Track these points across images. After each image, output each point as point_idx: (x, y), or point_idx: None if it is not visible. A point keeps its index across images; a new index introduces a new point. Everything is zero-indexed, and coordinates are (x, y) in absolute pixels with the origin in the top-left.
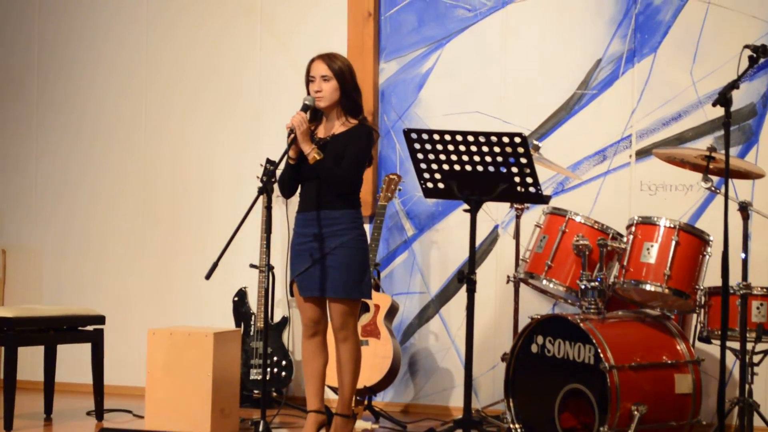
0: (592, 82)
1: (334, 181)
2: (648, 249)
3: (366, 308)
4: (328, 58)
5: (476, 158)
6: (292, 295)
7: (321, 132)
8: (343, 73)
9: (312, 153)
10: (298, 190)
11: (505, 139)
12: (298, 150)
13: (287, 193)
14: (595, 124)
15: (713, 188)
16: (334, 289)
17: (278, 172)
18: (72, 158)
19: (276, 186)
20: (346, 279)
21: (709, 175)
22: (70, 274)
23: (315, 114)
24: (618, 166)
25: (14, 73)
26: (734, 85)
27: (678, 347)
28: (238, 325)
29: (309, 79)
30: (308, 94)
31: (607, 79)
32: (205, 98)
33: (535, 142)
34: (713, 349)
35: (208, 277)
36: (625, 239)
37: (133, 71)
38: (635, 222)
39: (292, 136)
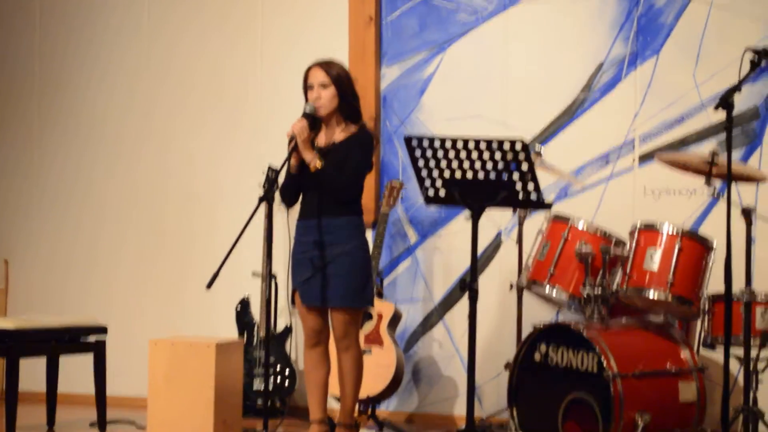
0: (595, 85)
1: (336, 188)
2: (651, 255)
3: (369, 316)
4: (326, 65)
5: (477, 165)
6: (294, 304)
7: (321, 140)
8: (341, 79)
9: (314, 161)
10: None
11: (506, 146)
12: (300, 159)
13: (289, 202)
14: (598, 128)
15: (716, 193)
16: (336, 298)
17: (280, 180)
18: (75, 168)
19: (278, 195)
20: (349, 287)
21: (712, 180)
22: (73, 285)
23: (314, 122)
24: (621, 170)
25: (15, 86)
26: (736, 88)
27: (682, 355)
28: (241, 334)
29: (307, 87)
30: (306, 101)
31: (609, 82)
32: (209, 109)
33: (537, 148)
34: (718, 356)
35: (209, 286)
36: (627, 246)
37: (136, 82)
38: (638, 228)
39: (293, 143)
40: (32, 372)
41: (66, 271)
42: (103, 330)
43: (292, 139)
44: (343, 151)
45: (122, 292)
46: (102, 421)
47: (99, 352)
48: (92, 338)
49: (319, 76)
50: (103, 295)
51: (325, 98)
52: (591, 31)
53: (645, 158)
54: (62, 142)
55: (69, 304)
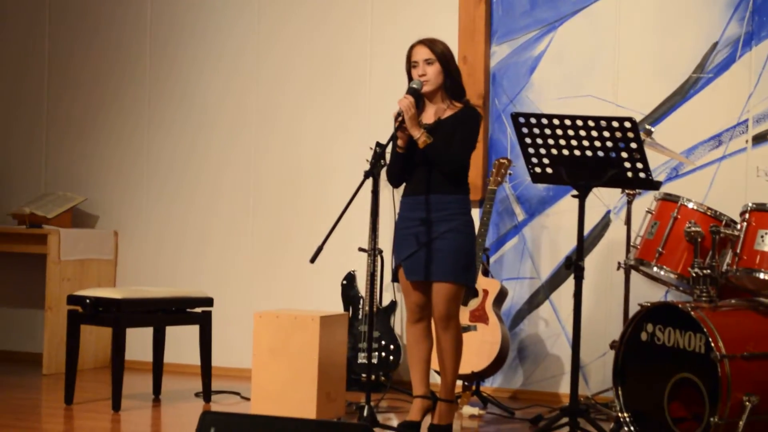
0: (708, 65)
1: (445, 163)
2: (762, 236)
3: (475, 293)
4: (430, 42)
5: (585, 143)
6: (396, 280)
7: (427, 117)
8: (446, 56)
9: (422, 137)
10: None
11: (615, 124)
12: (407, 137)
13: (396, 183)
14: (711, 109)
15: None
16: (441, 273)
17: (387, 156)
18: (188, 149)
19: (384, 173)
20: (454, 263)
21: None
22: (181, 257)
23: (417, 100)
24: (734, 151)
25: (129, 67)
26: None
27: None
28: (346, 308)
29: (412, 65)
30: (410, 80)
31: (723, 62)
32: (318, 86)
33: (648, 127)
34: None
35: (312, 260)
36: (738, 226)
37: (250, 67)
38: (749, 209)
39: (400, 119)
40: (140, 342)
41: (174, 244)
42: (209, 302)
43: (398, 116)
44: (449, 128)
45: (230, 265)
46: (207, 392)
47: (205, 323)
48: (198, 310)
49: (423, 53)
50: (211, 269)
51: (431, 74)
52: (705, 10)
53: (759, 139)
54: (174, 122)
55: (177, 277)
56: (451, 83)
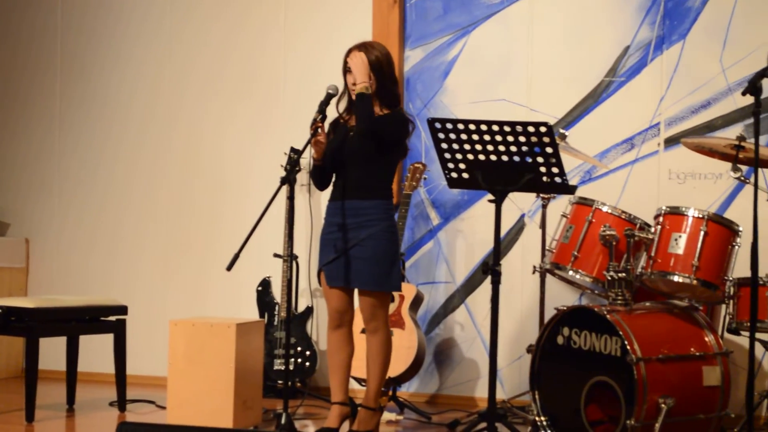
0: (620, 69)
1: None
2: (676, 239)
3: (391, 298)
4: (365, 48)
5: (501, 148)
6: (320, 284)
7: (355, 120)
8: (380, 64)
9: (359, 87)
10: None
11: (530, 129)
12: (322, 149)
13: (320, 187)
14: (623, 112)
15: (743, 178)
16: (364, 282)
17: (302, 162)
18: (98, 151)
19: (304, 178)
20: (376, 271)
21: (739, 165)
22: (95, 265)
23: (351, 105)
24: (646, 154)
25: (38, 68)
26: (764, 73)
27: (706, 339)
28: (262, 315)
29: (345, 70)
30: (345, 84)
31: (635, 66)
32: (237, 92)
33: (562, 131)
34: (742, 340)
35: (229, 268)
36: (652, 229)
37: (164, 65)
38: (663, 212)
39: (314, 127)
40: (53, 351)
41: (87, 251)
42: (123, 310)
43: (313, 122)
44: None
45: (144, 273)
46: (122, 401)
47: (119, 332)
48: (112, 318)
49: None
50: (125, 276)
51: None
52: (617, 15)
53: (670, 142)
54: (85, 125)
55: (90, 285)
56: (383, 90)
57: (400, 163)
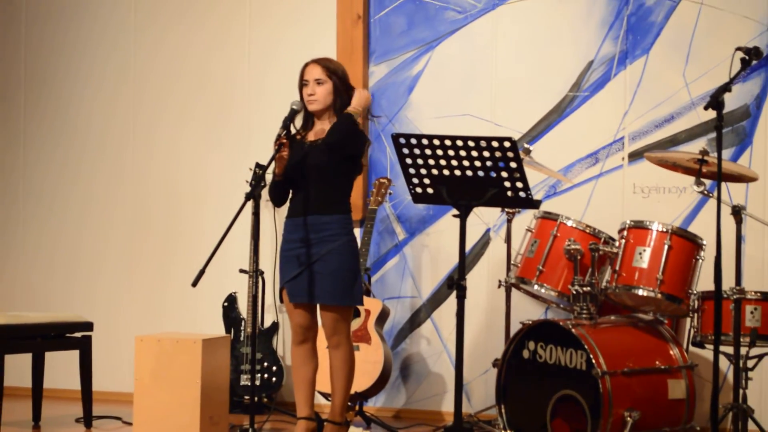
0: (584, 84)
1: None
2: (640, 253)
3: (357, 313)
4: (323, 62)
5: (465, 163)
6: (282, 301)
7: (314, 135)
8: (338, 76)
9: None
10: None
11: (495, 144)
12: (284, 165)
13: (278, 203)
14: (587, 127)
15: (706, 192)
16: (326, 296)
17: (267, 177)
18: (60, 165)
19: (267, 193)
20: (338, 286)
21: (702, 179)
22: (58, 281)
23: (307, 120)
24: (610, 168)
25: (1, 82)
26: (726, 88)
27: (671, 352)
28: (228, 330)
29: (302, 83)
30: (301, 98)
31: (599, 81)
32: (195, 107)
33: (526, 146)
34: (707, 353)
35: (194, 284)
36: (617, 243)
37: (122, 81)
38: (627, 226)
39: (278, 144)
40: (18, 367)
41: (51, 267)
42: (88, 326)
43: (278, 138)
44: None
45: (108, 289)
46: (88, 417)
47: (85, 348)
48: (78, 335)
49: (315, 72)
50: (89, 292)
51: (320, 94)
52: (580, 30)
53: (634, 157)
54: (48, 138)
55: (54, 301)
56: (342, 104)
57: (365, 179)
